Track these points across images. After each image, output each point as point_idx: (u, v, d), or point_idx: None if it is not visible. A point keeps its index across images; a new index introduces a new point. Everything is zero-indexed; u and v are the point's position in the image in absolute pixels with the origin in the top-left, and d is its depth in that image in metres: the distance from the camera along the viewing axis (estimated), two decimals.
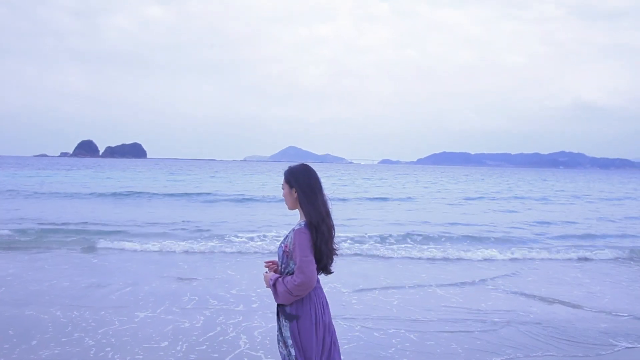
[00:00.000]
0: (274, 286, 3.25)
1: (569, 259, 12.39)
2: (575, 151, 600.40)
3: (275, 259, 3.47)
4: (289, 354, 3.23)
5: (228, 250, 12.21)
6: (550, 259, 12.31)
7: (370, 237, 14.29)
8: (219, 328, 6.52)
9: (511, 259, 12.10)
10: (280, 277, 3.25)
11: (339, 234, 13.12)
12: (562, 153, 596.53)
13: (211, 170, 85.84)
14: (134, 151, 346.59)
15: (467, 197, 36.39)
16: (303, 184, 3.31)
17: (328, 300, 3.39)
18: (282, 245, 3.32)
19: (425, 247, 13.32)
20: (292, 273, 3.20)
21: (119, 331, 6.27)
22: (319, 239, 3.22)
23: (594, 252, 12.94)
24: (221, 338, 6.17)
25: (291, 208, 3.40)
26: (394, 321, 6.93)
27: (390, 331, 6.51)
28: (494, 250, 12.83)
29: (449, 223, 19.43)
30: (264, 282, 3.38)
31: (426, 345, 6.06)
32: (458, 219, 21.12)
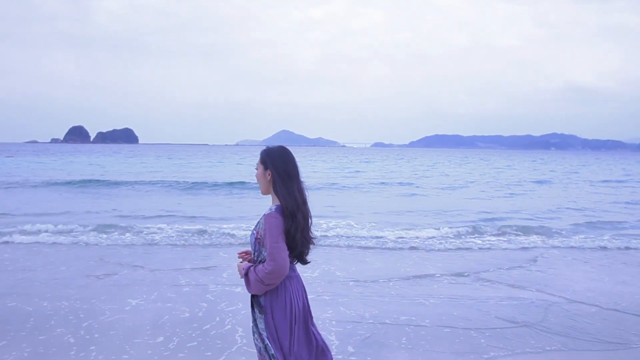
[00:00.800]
0: (246, 275, 3.09)
1: None
2: (567, 133, 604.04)
3: (249, 248, 3.31)
4: (265, 346, 3.09)
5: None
6: None
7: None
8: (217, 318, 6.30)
9: None
10: (252, 266, 3.09)
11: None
12: (554, 135, 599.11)
13: (201, 156, 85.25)
14: (126, 136, 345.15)
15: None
16: (279, 167, 3.11)
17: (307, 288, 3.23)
18: (254, 232, 3.15)
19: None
20: (264, 261, 3.04)
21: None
22: (293, 227, 3.04)
23: None
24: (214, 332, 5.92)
25: (264, 192, 3.20)
26: None
27: None
28: None
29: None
30: (238, 273, 3.23)
31: None
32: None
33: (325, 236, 11.72)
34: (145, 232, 11.93)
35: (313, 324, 3.23)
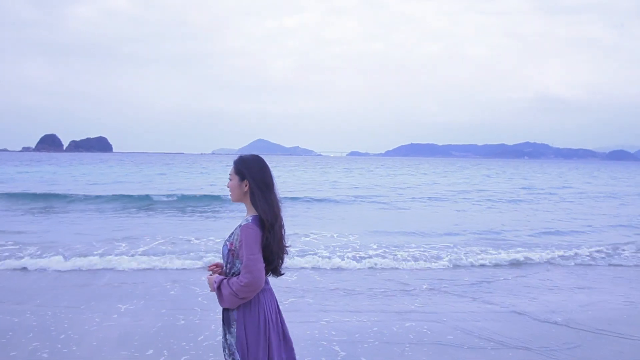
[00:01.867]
0: (218, 289, 2.98)
1: None
2: (540, 142, 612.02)
3: (220, 261, 3.23)
4: None
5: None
6: None
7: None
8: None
9: None
10: (225, 278, 3.00)
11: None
12: (527, 144, 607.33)
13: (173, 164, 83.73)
14: (100, 145, 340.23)
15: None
16: (258, 179, 3.06)
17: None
18: (227, 243, 3.06)
19: None
20: (239, 273, 2.95)
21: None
22: (271, 237, 2.99)
23: None
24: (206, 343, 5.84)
25: (235, 200, 3.14)
26: None
27: None
28: None
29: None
30: (208, 286, 3.10)
31: None
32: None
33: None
34: None
35: (286, 338, 3.14)
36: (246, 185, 3.06)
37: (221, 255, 3.14)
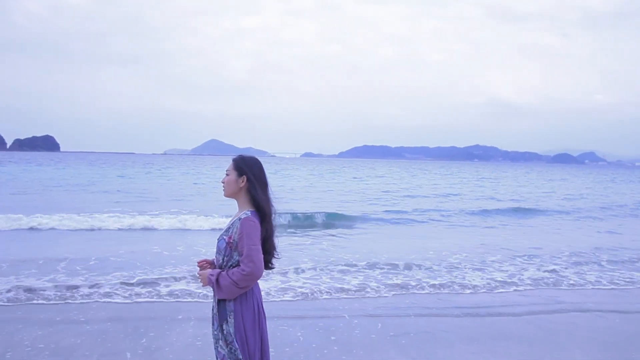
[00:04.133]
0: (216, 281, 3.12)
1: None
2: (489, 145, 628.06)
3: (208, 258, 3.40)
4: (230, 351, 3.14)
5: None
6: None
7: None
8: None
9: None
10: (222, 271, 3.15)
11: None
12: (477, 147, 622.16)
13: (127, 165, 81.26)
14: (46, 144, 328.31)
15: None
16: (258, 176, 3.27)
17: None
18: (225, 237, 3.21)
19: None
20: (236, 266, 3.12)
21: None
22: (270, 231, 3.23)
23: None
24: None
25: (228, 195, 3.30)
26: None
27: None
28: None
29: None
30: (202, 282, 3.25)
31: None
32: None
33: None
34: None
35: (265, 333, 3.32)
36: (242, 182, 3.24)
37: (216, 250, 3.28)
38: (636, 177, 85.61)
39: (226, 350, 3.15)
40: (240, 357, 3.11)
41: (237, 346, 3.11)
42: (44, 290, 7.85)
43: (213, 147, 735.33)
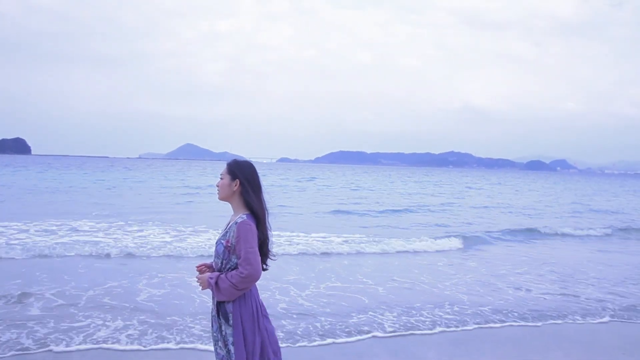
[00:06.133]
0: (216, 284, 3.18)
1: None
2: (463, 151, 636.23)
3: (207, 261, 3.46)
4: (229, 352, 3.20)
5: None
6: None
7: None
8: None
9: None
10: (221, 274, 3.20)
11: None
12: (452, 153, 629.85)
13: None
14: (16, 147, 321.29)
15: None
16: (251, 180, 3.32)
17: None
18: (222, 241, 3.27)
19: None
20: (234, 268, 3.18)
21: None
22: (264, 234, 3.28)
23: None
24: None
25: (222, 198, 3.37)
26: None
27: None
28: None
29: None
30: (200, 285, 3.30)
31: None
32: None
33: None
34: None
35: (266, 313, 3.38)
36: (236, 185, 3.31)
37: (215, 254, 3.34)
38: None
39: (224, 351, 3.22)
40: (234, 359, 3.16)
41: (231, 348, 3.18)
42: None
43: (188, 152, 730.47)
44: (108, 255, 10.82)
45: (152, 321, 6.72)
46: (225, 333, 3.22)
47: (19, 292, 7.62)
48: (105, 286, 8.29)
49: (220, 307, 3.24)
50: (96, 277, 8.86)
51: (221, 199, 3.37)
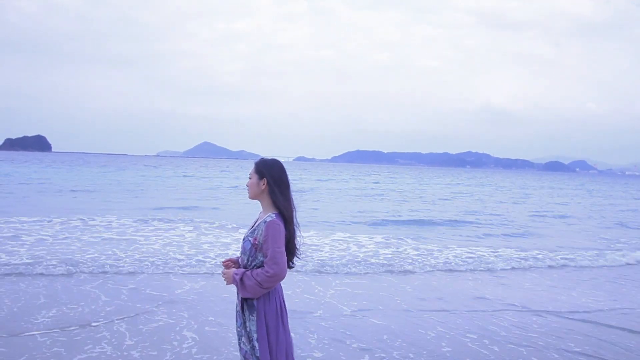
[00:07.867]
0: (241, 281, 3.24)
1: None
2: (481, 152, 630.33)
3: (233, 256, 3.52)
4: (253, 348, 3.25)
5: None
6: None
7: None
8: None
9: None
10: (246, 271, 3.26)
11: None
12: (469, 153, 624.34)
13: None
14: (38, 144, 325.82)
15: None
16: (278, 179, 3.36)
17: None
18: (250, 238, 3.32)
19: None
20: (260, 266, 3.24)
21: None
22: (291, 232, 3.32)
23: None
24: None
25: (252, 197, 3.42)
26: None
27: None
28: None
29: None
30: (226, 281, 3.35)
31: None
32: None
33: None
34: None
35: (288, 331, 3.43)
36: (264, 184, 3.35)
37: (241, 250, 3.39)
38: None
39: (248, 347, 3.27)
40: (258, 355, 3.21)
41: (255, 344, 3.23)
42: None
43: (206, 150, 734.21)
44: None
45: None
46: (250, 329, 3.27)
47: None
48: None
49: (244, 304, 3.31)
50: None
51: (251, 197, 3.43)
